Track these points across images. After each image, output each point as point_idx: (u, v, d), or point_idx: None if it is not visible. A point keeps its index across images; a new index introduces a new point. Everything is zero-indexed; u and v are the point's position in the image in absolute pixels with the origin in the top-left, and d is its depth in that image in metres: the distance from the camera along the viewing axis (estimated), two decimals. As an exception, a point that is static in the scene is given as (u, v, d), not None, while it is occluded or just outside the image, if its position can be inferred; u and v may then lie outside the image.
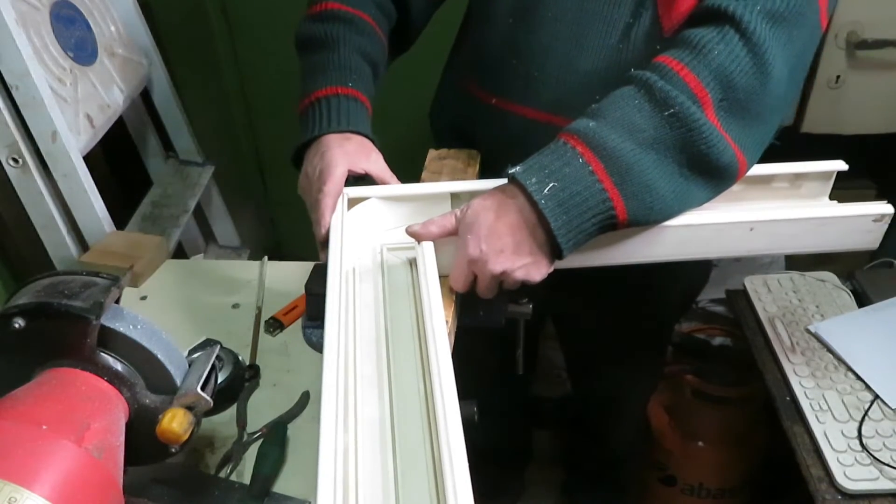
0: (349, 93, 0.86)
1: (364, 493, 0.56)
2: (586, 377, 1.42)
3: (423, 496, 0.56)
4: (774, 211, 0.78)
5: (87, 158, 1.18)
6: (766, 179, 0.83)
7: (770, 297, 1.30)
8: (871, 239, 0.78)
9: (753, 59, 0.71)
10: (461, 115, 1.01)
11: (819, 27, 0.76)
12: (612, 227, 0.72)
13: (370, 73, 0.91)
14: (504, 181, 0.74)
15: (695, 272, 1.18)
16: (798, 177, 0.84)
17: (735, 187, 0.78)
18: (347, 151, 0.82)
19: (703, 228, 0.76)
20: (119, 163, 1.55)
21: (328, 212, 0.80)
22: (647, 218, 0.73)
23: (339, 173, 0.80)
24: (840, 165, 0.83)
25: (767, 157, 0.80)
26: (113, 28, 1.35)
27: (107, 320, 0.62)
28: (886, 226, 0.78)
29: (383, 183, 0.84)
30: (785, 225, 0.77)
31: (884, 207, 0.77)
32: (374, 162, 0.84)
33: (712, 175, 0.73)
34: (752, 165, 0.76)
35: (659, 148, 0.71)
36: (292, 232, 2.11)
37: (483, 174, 0.96)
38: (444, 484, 0.53)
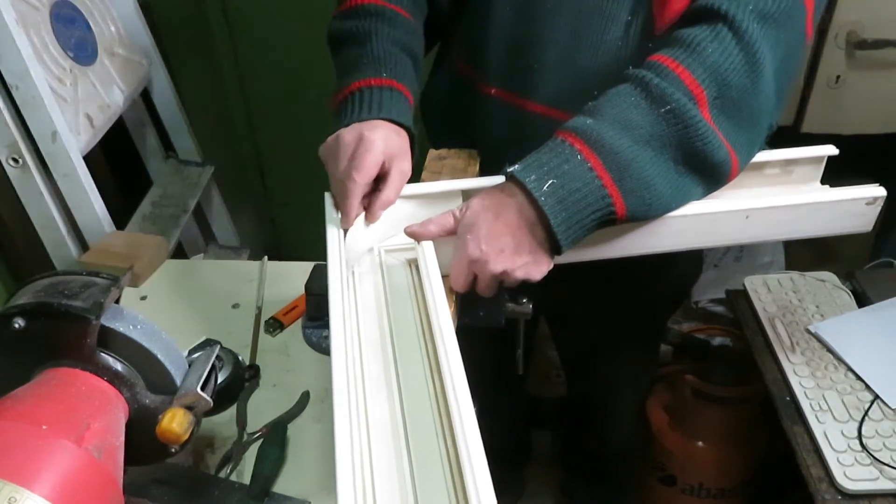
0: (384, 83, 0.82)
1: (381, 495, 0.56)
2: (580, 374, 1.42)
3: (441, 495, 0.56)
4: (769, 198, 0.78)
5: (87, 158, 1.18)
6: (758, 166, 0.83)
7: (770, 297, 1.30)
8: (864, 222, 0.79)
9: (746, 57, 0.71)
10: (458, 105, 1.01)
11: (805, 34, 0.77)
12: (610, 222, 0.73)
13: (410, 65, 0.88)
14: (501, 179, 0.74)
15: (686, 265, 1.18)
16: (789, 162, 0.85)
17: None
18: (390, 143, 0.78)
19: (700, 218, 0.77)
20: (119, 163, 1.56)
21: (355, 201, 0.77)
22: (644, 213, 0.73)
23: (372, 161, 0.76)
24: (830, 150, 0.84)
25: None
26: (113, 28, 1.35)
27: (107, 320, 0.62)
28: (879, 209, 0.79)
29: (387, 200, 0.79)
30: (780, 211, 0.77)
31: (876, 190, 0.78)
32: (399, 171, 0.79)
33: (706, 172, 0.74)
34: (743, 167, 0.77)
35: (655, 145, 0.71)
36: (292, 232, 2.11)
37: (480, 169, 0.96)
38: (464, 482, 0.54)
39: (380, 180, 0.79)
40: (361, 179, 0.76)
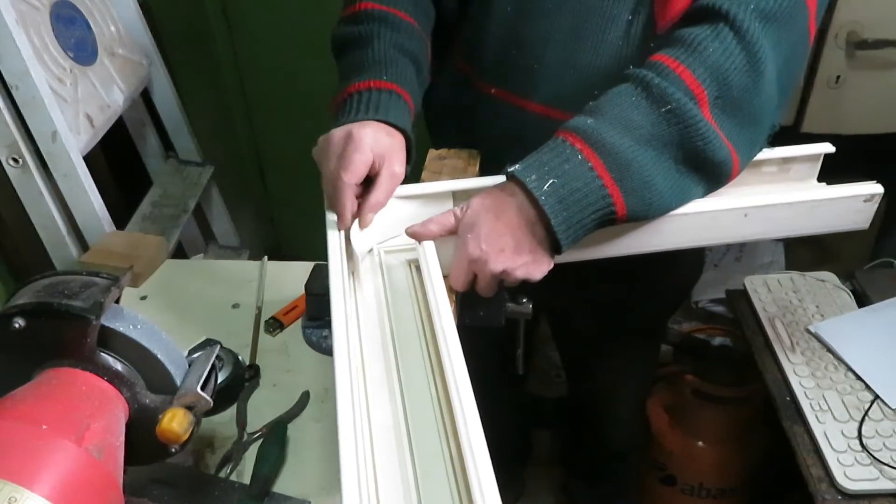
0: (383, 86, 0.82)
1: (385, 496, 0.56)
2: (580, 374, 1.42)
3: (444, 495, 0.56)
4: (768, 196, 0.78)
5: (87, 158, 1.18)
6: (756, 164, 0.83)
7: (770, 297, 1.30)
8: (862, 219, 0.80)
9: (747, 56, 0.71)
10: (458, 105, 1.01)
11: (807, 34, 0.77)
12: (610, 222, 0.73)
13: (411, 70, 0.87)
14: (502, 179, 0.74)
15: (686, 266, 1.18)
16: (787, 160, 0.85)
17: None
18: (379, 142, 0.77)
19: (699, 216, 0.77)
20: (119, 163, 1.56)
21: (347, 202, 0.75)
22: (645, 213, 0.73)
23: (362, 160, 0.75)
24: (827, 148, 0.84)
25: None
26: (113, 28, 1.35)
27: (107, 320, 0.62)
28: (876, 206, 0.79)
29: (376, 202, 0.77)
30: (778, 209, 0.78)
31: (873, 188, 0.78)
32: (389, 173, 0.78)
33: (707, 172, 0.74)
34: (744, 166, 0.77)
35: (656, 144, 0.71)
36: (292, 232, 2.11)
37: (480, 168, 0.96)
38: (468, 482, 0.54)
39: (370, 182, 0.78)
40: (350, 179, 0.75)
